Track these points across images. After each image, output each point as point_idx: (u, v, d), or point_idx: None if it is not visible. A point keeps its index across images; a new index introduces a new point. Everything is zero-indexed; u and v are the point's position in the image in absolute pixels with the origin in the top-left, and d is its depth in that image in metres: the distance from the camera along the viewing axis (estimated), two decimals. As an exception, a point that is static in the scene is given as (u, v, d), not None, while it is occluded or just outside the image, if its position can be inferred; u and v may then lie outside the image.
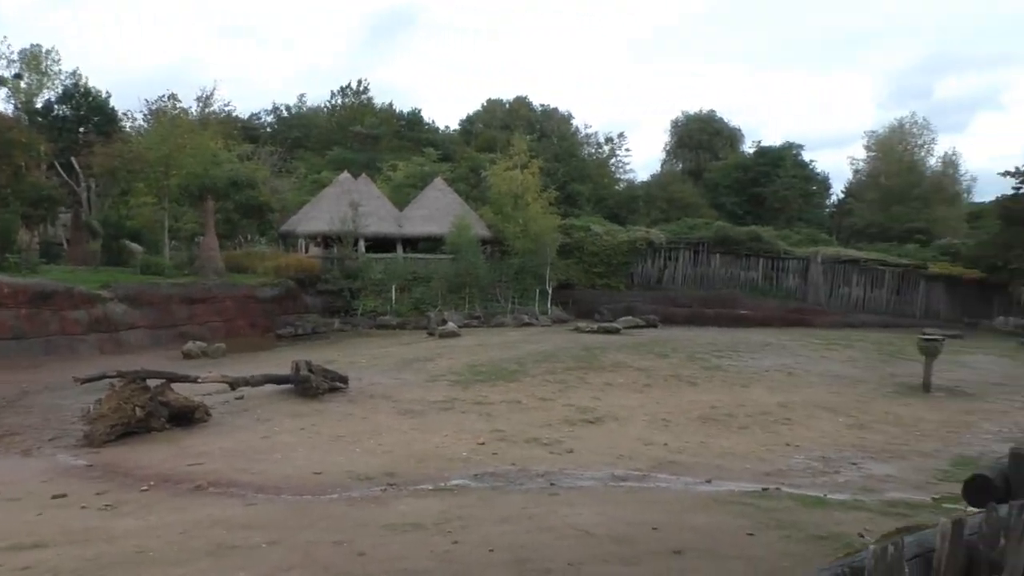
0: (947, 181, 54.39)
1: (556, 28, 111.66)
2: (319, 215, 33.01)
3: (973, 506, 3.19)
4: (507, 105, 64.78)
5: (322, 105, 66.55)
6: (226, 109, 50.16)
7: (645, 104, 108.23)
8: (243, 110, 62.02)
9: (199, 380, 12.64)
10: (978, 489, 3.23)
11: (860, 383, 16.85)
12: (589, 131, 67.40)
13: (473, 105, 68.47)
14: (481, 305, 29.49)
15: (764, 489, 8.36)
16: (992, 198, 42.86)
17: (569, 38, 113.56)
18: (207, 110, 40.49)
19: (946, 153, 57.62)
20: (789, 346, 22.14)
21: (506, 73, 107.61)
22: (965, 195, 56.97)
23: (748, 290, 35.28)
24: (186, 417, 11.35)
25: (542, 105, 66.26)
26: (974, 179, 58.66)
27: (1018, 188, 35.61)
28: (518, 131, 43.50)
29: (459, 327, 24.73)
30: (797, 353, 20.78)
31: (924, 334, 17.63)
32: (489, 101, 65.87)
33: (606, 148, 66.73)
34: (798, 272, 36.11)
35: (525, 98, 65.60)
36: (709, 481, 8.89)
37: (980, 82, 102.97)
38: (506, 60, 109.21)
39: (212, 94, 41.19)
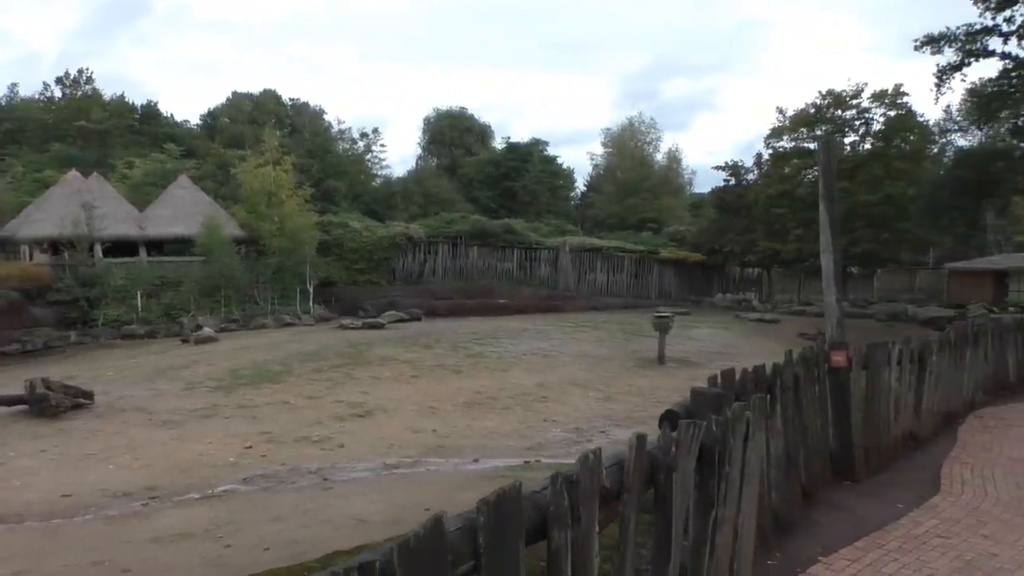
0: (672, 175, 61.07)
1: (303, 19, 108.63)
2: (45, 218, 29.61)
3: (665, 433, 4.01)
4: (254, 99, 61.97)
5: (36, 96, 59.24)
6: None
7: (398, 100, 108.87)
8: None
9: (-93, 410, 11.09)
10: (668, 419, 4.09)
11: (606, 360, 18.61)
12: (343, 127, 66.60)
13: (217, 98, 64.62)
14: (239, 307, 28.22)
15: (526, 462, 9.13)
16: (708, 189, 49.02)
17: (317, 31, 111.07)
18: None
19: (670, 149, 64.88)
20: (544, 331, 23.74)
21: (252, 65, 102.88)
22: (687, 187, 64.39)
23: (505, 280, 37.01)
24: None
25: (292, 99, 64.35)
26: (694, 172, 66.54)
27: (728, 180, 40.94)
28: (268, 126, 41.95)
29: (216, 332, 23.55)
30: (552, 337, 22.36)
31: (657, 313, 19.92)
32: (234, 94, 62.55)
33: (361, 144, 66.33)
34: (549, 261, 38.61)
35: (274, 91, 63.25)
36: (476, 460, 9.51)
37: (699, 86, 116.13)
38: (252, 51, 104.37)
39: None
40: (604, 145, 63.39)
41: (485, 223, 38.82)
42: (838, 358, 6.51)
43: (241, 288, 28.96)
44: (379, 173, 66.05)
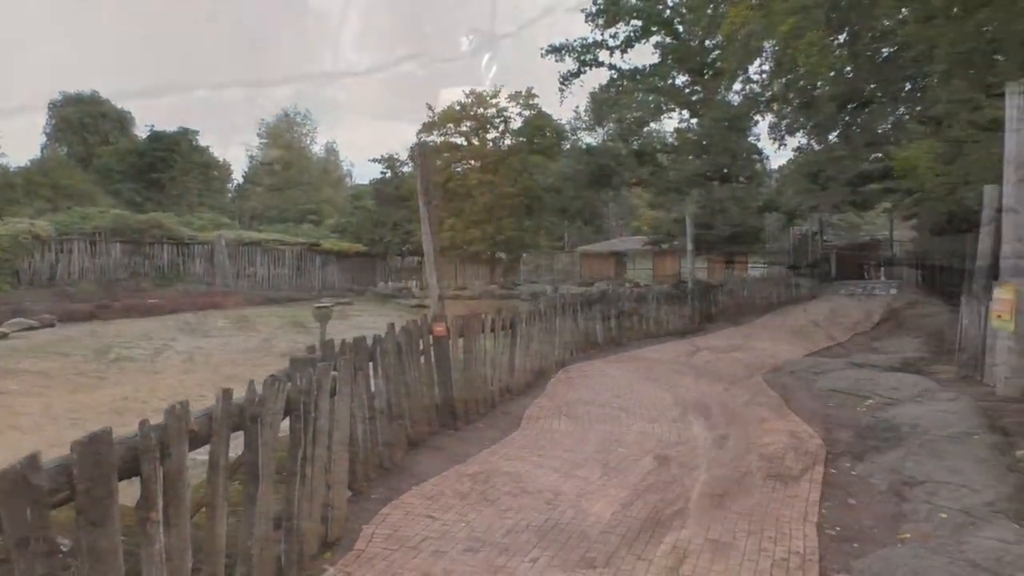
0: (331, 167, 61.72)
1: None
2: None
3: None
4: None
5: None
6: None
7: (16, 81, 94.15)
8: None
9: None
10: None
11: (267, 353, 18.72)
12: (-61, 108, 56.23)
13: None
14: None
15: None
16: (368, 181, 50.55)
17: None
18: None
19: (328, 142, 65.30)
20: (201, 328, 23.00)
21: None
22: (347, 179, 65.42)
23: (156, 278, 34.77)
24: None
25: None
26: (353, 165, 67.89)
27: (385, 173, 42.70)
28: None
29: None
30: (209, 335, 21.76)
31: (318, 304, 20.52)
32: None
33: (-33, 129, 56.62)
34: (204, 257, 37.00)
35: None
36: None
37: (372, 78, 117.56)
38: None
39: None
40: (259, 137, 61.91)
41: (129, 218, 35.99)
42: (439, 329, 7.80)
43: None
44: (-8, 163, 56.92)
